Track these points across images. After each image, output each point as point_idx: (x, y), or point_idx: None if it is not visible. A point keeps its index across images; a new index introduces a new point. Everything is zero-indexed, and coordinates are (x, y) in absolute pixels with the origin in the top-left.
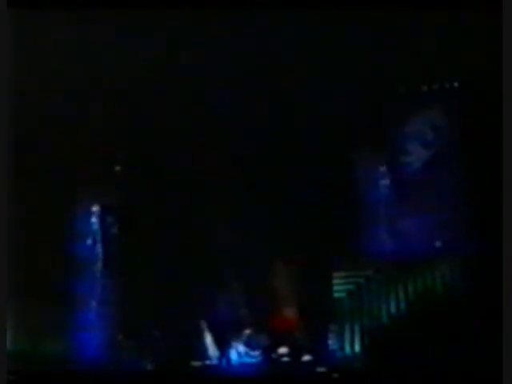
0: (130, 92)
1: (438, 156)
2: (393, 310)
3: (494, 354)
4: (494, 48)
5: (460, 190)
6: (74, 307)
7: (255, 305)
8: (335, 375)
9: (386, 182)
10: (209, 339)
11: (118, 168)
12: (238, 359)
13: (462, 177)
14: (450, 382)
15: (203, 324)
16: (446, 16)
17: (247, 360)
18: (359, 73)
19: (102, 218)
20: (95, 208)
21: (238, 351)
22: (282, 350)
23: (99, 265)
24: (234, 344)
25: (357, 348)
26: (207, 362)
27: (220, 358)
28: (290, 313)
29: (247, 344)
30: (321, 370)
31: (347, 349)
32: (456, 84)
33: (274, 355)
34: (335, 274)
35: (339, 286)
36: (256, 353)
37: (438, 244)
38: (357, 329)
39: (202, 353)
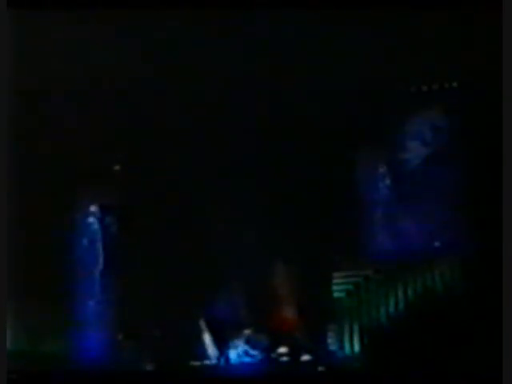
0: (129, 92)
1: (437, 156)
2: (392, 309)
3: (494, 354)
4: (494, 48)
5: (460, 190)
6: (73, 307)
7: (255, 305)
8: (334, 375)
9: (385, 182)
10: (208, 339)
11: (117, 168)
12: (237, 359)
13: (462, 177)
14: (449, 382)
15: (203, 324)
16: (446, 16)
17: (247, 360)
18: (359, 73)
19: (101, 218)
20: (95, 208)
21: (237, 351)
22: (282, 349)
23: (99, 265)
24: (234, 344)
25: (356, 348)
26: (207, 362)
27: (219, 358)
28: (289, 313)
29: (247, 344)
30: (320, 369)
31: (347, 348)
32: (456, 84)
33: (273, 355)
34: (335, 274)
35: (339, 286)
36: (256, 352)
37: (437, 244)
38: (356, 328)
39: (202, 353)
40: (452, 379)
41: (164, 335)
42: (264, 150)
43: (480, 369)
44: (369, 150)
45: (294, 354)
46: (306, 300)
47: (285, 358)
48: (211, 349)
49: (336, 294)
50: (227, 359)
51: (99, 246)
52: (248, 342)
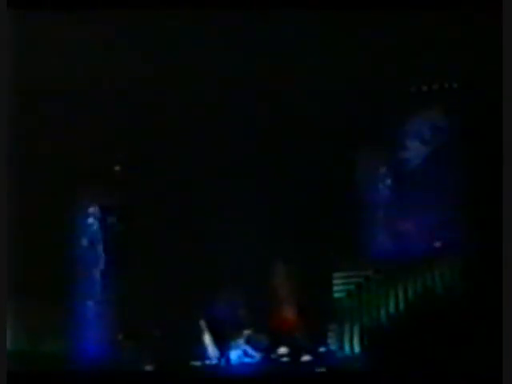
0: (129, 92)
1: (438, 156)
2: (392, 310)
3: (494, 354)
4: (494, 48)
5: (460, 190)
6: (73, 307)
7: (255, 305)
8: (335, 375)
9: (385, 182)
10: (208, 339)
11: (117, 168)
12: (237, 359)
13: (462, 177)
14: (450, 381)
15: (203, 324)
16: (446, 16)
17: (247, 360)
18: (359, 73)
19: (101, 218)
20: (95, 208)
21: (237, 351)
22: (282, 349)
23: (99, 265)
24: (234, 344)
25: (356, 348)
26: (207, 362)
27: (220, 358)
28: (289, 313)
29: (247, 344)
30: (320, 369)
31: (347, 349)
32: (456, 84)
33: (273, 355)
34: (335, 274)
35: (339, 286)
36: (256, 353)
37: (437, 244)
38: (356, 329)
39: (202, 353)
40: (452, 379)
41: (164, 335)
42: (264, 149)
43: (480, 369)
44: (369, 150)
45: (294, 354)
46: (306, 300)
47: (285, 359)
48: (211, 349)
49: (336, 295)
50: (227, 359)
51: (99, 246)
52: (248, 342)
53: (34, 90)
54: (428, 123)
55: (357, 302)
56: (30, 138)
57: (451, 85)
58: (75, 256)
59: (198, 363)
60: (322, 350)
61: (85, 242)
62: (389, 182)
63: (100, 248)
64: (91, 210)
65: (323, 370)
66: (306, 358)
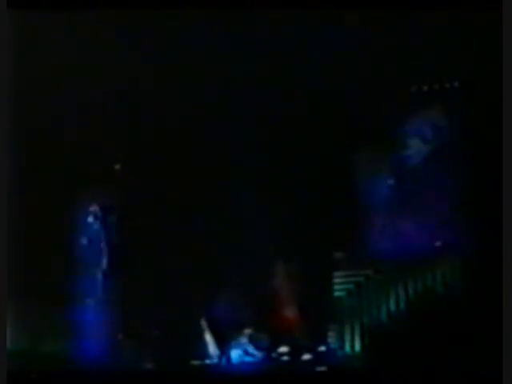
0: (129, 92)
1: (438, 156)
2: (393, 309)
3: (494, 354)
4: (494, 48)
5: (460, 190)
6: (74, 307)
7: (255, 304)
8: (335, 374)
9: (386, 182)
10: (209, 338)
11: (118, 167)
12: (238, 358)
13: (462, 177)
14: (450, 381)
15: (204, 323)
16: (446, 16)
17: (248, 359)
18: (359, 73)
19: (101, 218)
20: (95, 208)
21: (238, 350)
22: (283, 349)
23: (99, 265)
24: (235, 343)
25: (357, 347)
26: (208, 362)
27: (220, 357)
28: (290, 312)
29: (248, 343)
30: (321, 369)
31: (347, 348)
32: (456, 84)
33: (274, 354)
34: (335, 274)
35: (339, 286)
36: (256, 352)
37: (438, 244)
38: (357, 328)
39: (203, 352)
40: (452, 379)
41: (164, 335)
42: (264, 149)
43: (480, 369)
44: (369, 150)
45: (295, 353)
46: (307, 299)
47: (285, 358)
48: (212, 348)
49: (337, 294)
50: (228, 359)
51: (99, 245)
52: (249, 341)
53: (34, 90)
54: (428, 123)
55: (357, 301)
56: (30, 137)
57: (451, 85)
58: (75, 256)
59: (198, 362)
60: (322, 349)
61: (85, 241)
62: (389, 181)
63: (100, 248)
64: (91, 209)
65: (324, 369)
66: (306, 357)
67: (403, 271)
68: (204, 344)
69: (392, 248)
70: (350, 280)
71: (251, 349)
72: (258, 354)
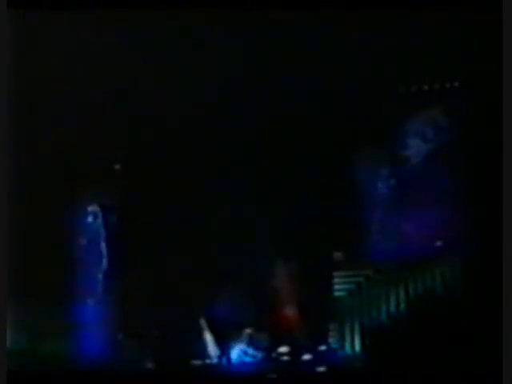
0: (129, 92)
1: (438, 157)
2: (393, 309)
3: (494, 354)
4: (494, 48)
5: (460, 190)
6: (74, 307)
7: (256, 304)
8: (335, 374)
9: (386, 182)
10: (209, 338)
11: (118, 167)
12: (238, 358)
13: (462, 177)
14: (450, 381)
15: (203, 323)
16: (446, 16)
17: (247, 359)
18: (359, 73)
19: (101, 218)
20: (95, 208)
21: (238, 350)
22: (283, 348)
23: (99, 265)
24: (235, 343)
25: (357, 347)
26: (208, 361)
27: (220, 357)
28: (290, 312)
29: (248, 343)
30: (321, 368)
31: (347, 348)
32: (456, 84)
33: (274, 354)
34: (336, 274)
35: (340, 286)
36: (256, 352)
37: (438, 244)
38: (357, 328)
39: (203, 352)
40: (452, 379)
41: (164, 334)
42: (264, 149)
43: (480, 369)
44: (369, 150)
45: (295, 353)
46: (307, 299)
47: (285, 358)
48: (212, 348)
49: (337, 294)
50: (228, 358)
51: (99, 245)
52: (249, 341)
53: (34, 89)
54: (428, 123)
55: (357, 301)
56: (30, 137)
57: (451, 85)
58: (75, 256)
59: (198, 362)
60: (322, 348)
61: (85, 241)
62: (389, 181)
63: (100, 248)
64: (91, 209)
65: (324, 368)
66: (306, 356)
67: (403, 271)
68: (204, 344)
69: (392, 248)
70: (350, 280)
71: (251, 349)
72: (258, 354)
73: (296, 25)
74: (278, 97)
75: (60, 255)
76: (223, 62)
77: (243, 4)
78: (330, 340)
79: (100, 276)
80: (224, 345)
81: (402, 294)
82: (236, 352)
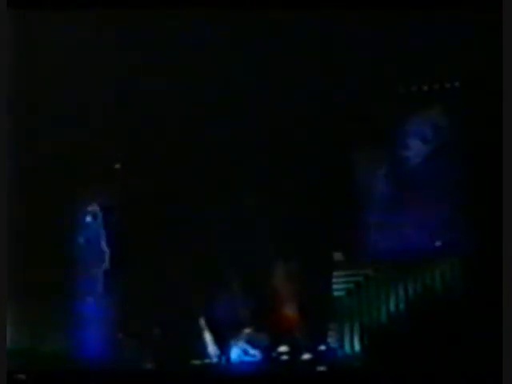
0: (129, 92)
1: (438, 156)
2: (392, 309)
3: (494, 354)
4: (494, 48)
5: (460, 189)
6: (74, 306)
7: (255, 304)
8: (335, 374)
9: (386, 182)
10: (209, 338)
11: (118, 167)
12: (237, 358)
13: (462, 177)
14: (449, 381)
15: (203, 323)
16: (446, 16)
17: (247, 359)
18: (359, 73)
19: (102, 218)
20: (95, 208)
21: (237, 350)
22: (282, 348)
23: (99, 265)
24: (234, 343)
25: (356, 347)
26: (207, 361)
27: (220, 357)
28: (289, 312)
29: (247, 343)
30: (320, 368)
31: (347, 347)
32: (456, 84)
33: (273, 354)
34: (335, 273)
35: (339, 285)
36: (256, 351)
37: (438, 244)
38: (356, 328)
39: (203, 351)
40: (452, 379)
41: (164, 334)
42: (264, 149)
43: (480, 369)
44: (369, 150)
45: (294, 353)
46: (307, 299)
47: (285, 357)
48: (211, 347)
49: (336, 293)
50: (227, 358)
51: (99, 245)
52: (248, 341)
53: (34, 89)
54: (428, 123)
55: (356, 300)
56: (30, 137)
57: (451, 85)
58: (75, 255)
59: (198, 362)
60: (321, 348)
61: (85, 241)
62: (389, 181)
63: (100, 248)
64: (91, 209)
65: (323, 368)
66: (306, 356)
67: (403, 271)
68: (204, 343)
69: (392, 248)
70: (350, 280)
71: (250, 348)
72: (258, 354)
73: (296, 25)
74: (278, 97)
75: (60, 255)
76: (223, 61)
77: (243, 4)
78: (330, 340)
79: (100, 276)
80: (223, 344)
81: (401, 294)
82: (235, 352)
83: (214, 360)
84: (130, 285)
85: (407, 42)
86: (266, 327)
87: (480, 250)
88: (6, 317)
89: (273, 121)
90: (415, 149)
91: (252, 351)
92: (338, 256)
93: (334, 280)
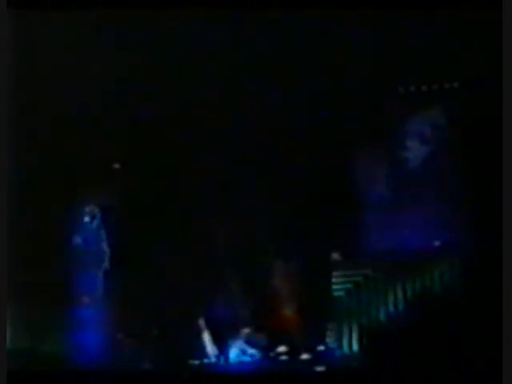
0: (130, 92)
1: (437, 156)
2: (392, 309)
3: (494, 354)
4: (494, 48)
5: (460, 189)
6: (74, 307)
7: (254, 304)
8: (334, 374)
9: (385, 181)
10: (208, 338)
11: (117, 167)
12: (236, 358)
13: (461, 177)
14: (449, 381)
15: (202, 323)
16: (446, 16)
17: (246, 359)
18: (359, 73)
19: (101, 218)
20: (95, 208)
21: (236, 350)
22: (281, 348)
23: (99, 265)
24: (233, 343)
25: (355, 347)
26: (206, 361)
27: (218, 357)
28: (288, 312)
29: (246, 343)
30: (319, 368)
31: (346, 348)
32: (456, 84)
33: (272, 354)
34: (334, 273)
35: (338, 285)
36: (254, 351)
37: (437, 244)
38: (355, 328)
39: (201, 352)
40: (452, 379)
41: (163, 334)
42: (263, 149)
43: (480, 369)
44: (369, 150)
45: (293, 353)
46: (306, 299)
47: (284, 357)
48: (210, 347)
49: (335, 293)
50: (226, 358)
51: (100, 246)
52: (247, 341)
53: (34, 89)
54: (428, 123)
55: (356, 301)
56: (30, 137)
57: (451, 85)
58: (75, 256)
59: (196, 362)
60: (320, 348)
61: (85, 241)
62: (389, 181)
63: (100, 248)
64: (91, 209)
65: (322, 368)
66: (304, 356)
67: (402, 271)
68: (202, 344)
69: (391, 248)
70: (349, 280)
71: (249, 348)
72: (256, 354)
73: (296, 25)
74: (278, 96)
75: (60, 255)
76: (223, 61)
77: (243, 4)
78: (329, 340)
79: (100, 276)
80: (222, 344)
81: (400, 294)
82: (234, 351)
83: (213, 360)
84: (130, 285)
85: (407, 42)
86: (264, 327)
87: (480, 250)
88: (6, 317)
89: (273, 121)
90: (415, 149)
91: (251, 351)
92: (336, 256)
93: (333, 280)
